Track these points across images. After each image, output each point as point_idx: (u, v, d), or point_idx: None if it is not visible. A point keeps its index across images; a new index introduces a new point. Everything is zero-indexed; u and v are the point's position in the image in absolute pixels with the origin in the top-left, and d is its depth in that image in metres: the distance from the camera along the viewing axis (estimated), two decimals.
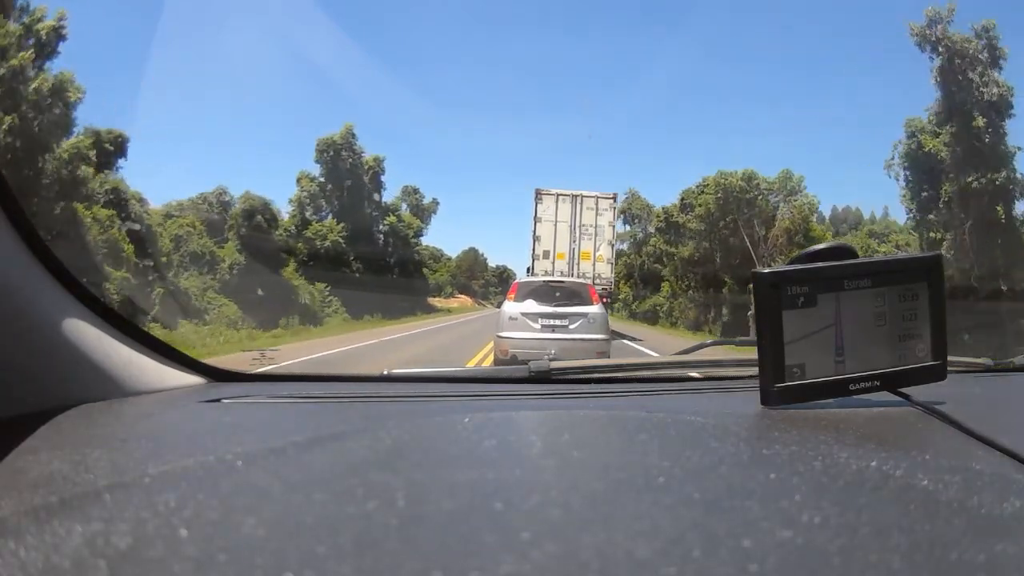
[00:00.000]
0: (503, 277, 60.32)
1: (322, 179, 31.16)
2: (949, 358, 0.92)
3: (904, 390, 0.92)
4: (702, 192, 29.24)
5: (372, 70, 57.04)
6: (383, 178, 34.04)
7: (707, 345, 1.51)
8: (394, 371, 1.30)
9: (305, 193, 30.85)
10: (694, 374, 1.32)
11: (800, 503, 0.41)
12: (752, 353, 0.97)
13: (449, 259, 64.43)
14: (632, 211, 39.47)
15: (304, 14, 41.71)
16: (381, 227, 34.14)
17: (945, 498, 0.44)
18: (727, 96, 54.51)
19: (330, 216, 30.55)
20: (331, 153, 30.99)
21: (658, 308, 32.92)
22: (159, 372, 1.03)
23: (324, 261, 27.78)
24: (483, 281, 67.46)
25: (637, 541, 0.35)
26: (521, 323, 7.53)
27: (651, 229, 38.47)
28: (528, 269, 14.50)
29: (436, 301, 51.52)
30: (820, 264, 0.87)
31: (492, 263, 67.99)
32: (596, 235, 14.54)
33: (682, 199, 32.18)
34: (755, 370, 0.89)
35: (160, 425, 0.86)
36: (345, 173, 30.95)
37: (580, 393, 1.11)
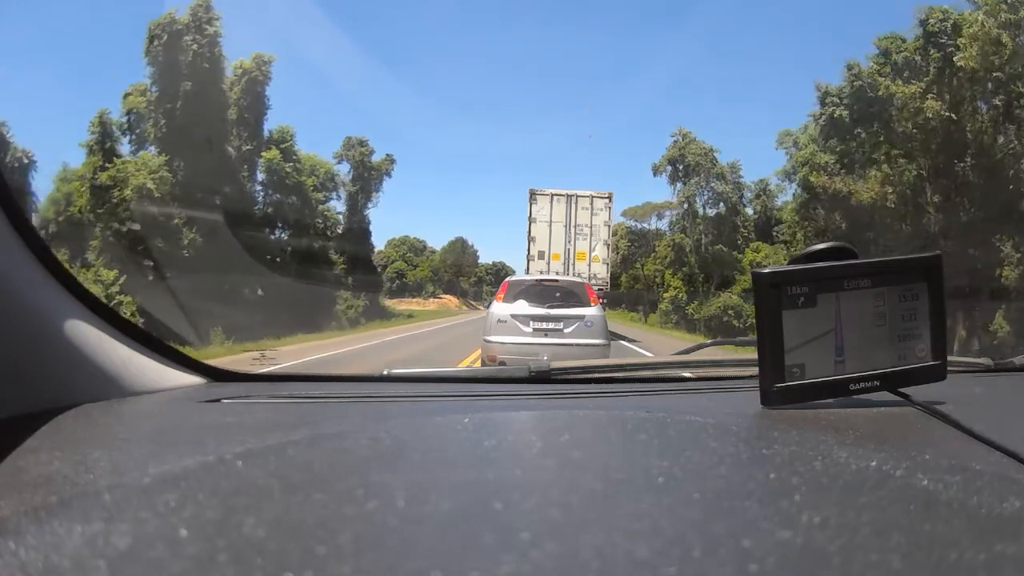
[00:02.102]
0: (500, 274, 52.78)
1: (153, 88, 16.85)
2: (949, 358, 0.92)
3: (904, 390, 0.92)
4: (931, 27, 13.68)
5: (370, 68, 56.71)
6: (268, 92, 19.90)
7: (707, 345, 1.52)
8: (394, 371, 1.30)
9: (131, 113, 16.77)
10: (694, 374, 1.32)
11: (800, 503, 0.41)
12: (752, 353, 0.97)
13: (432, 252, 57.00)
14: (687, 160, 27.42)
15: (303, 13, 41.42)
16: (256, 172, 19.97)
17: (945, 498, 0.44)
18: (728, 94, 54.38)
19: (157, 149, 16.49)
20: (165, 39, 16.57)
21: (733, 312, 21.51)
22: (159, 372, 1.03)
23: (120, 225, 14.73)
24: (474, 278, 59.64)
25: (637, 541, 0.35)
26: (511, 326, 6.88)
27: (717, 186, 27.00)
28: (525, 271, 14.44)
29: (405, 303, 44.14)
30: (820, 264, 0.88)
31: (488, 259, 61.45)
32: (592, 235, 14.46)
33: (883, 52, 15.15)
34: (755, 370, 0.89)
35: (160, 425, 0.86)
36: (183, 72, 16.54)
37: (580, 393, 1.11)
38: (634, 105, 56.95)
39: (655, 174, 29.42)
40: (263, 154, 19.85)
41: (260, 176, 20.39)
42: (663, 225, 33.82)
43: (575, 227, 14.45)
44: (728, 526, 0.38)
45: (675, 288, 27.11)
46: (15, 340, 0.82)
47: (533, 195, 14.60)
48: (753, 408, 0.89)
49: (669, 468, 0.48)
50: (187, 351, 1.16)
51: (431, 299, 53.27)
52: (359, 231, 28.34)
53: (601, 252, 14.63)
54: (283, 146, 20.75)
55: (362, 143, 28.06)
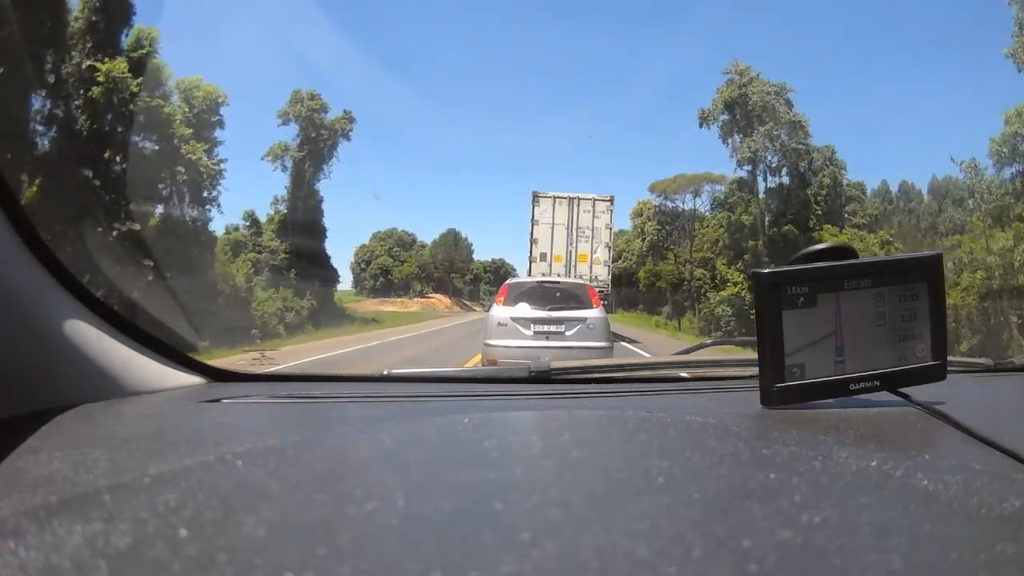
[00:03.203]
0: (499, 272, 48.91)
1: None
2: (949, 358, 0.92)
3: (904, 390, 0.92)
4: None
5: (371, 68, 56.53)
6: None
7: (707, 345, 1.52)
8: (394, 371, 1.30)
9: None
10: (694, 374, 1.32)
11: (800, 503, 0.41)
12: (752, 353, 0.97)
13: (423, 246, 50.96)
14: (749, 102, 19.72)
15: (303, 13, 41.31)
16: (88, 93, 12.90)
17: (945, 498, 0.44)
18: None
19: None
20: None
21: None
22: (159, 372, 1.03)
23: None
24: (470, 276, 53.02)
25: (637, 541, 0.35)
26: (511, 329, 6.76)
27: (789, 141, 19.17)
28: (527, 273, 14.48)
29: (388, 304, 39.74)
30: (820, 264, 0.88)
31: (487, 257, 55.35)
32: (593, 237, 14.61)
33: None
34: (755, 370, 0.90)
35: (160, 425, 0.86)
36: None
37: (580, 393, 1.11)
38: (634, 105, 56.87)
39: (703, 124, 21.25)
40: (100, 65, 12.65)
41: (93, 97, 12.95)
42: (702, 204, 25.67)
43: (577, 230, 14.60)
44: (728, 526, 0.38)
45: (735, 284, 19.77)
46: (15, 340, 0.82)
47: (536, 198, 14.74)
48: (753, 408, 0.89)
49: (669, 468, 0.48)
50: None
51: (417, 299, 46.86)
52: (306, 209, 22.18)
53: (603, 254, 14.75)
54: (136, 55, 13.13)
55: (312, 96, 21.89)
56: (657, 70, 54.22)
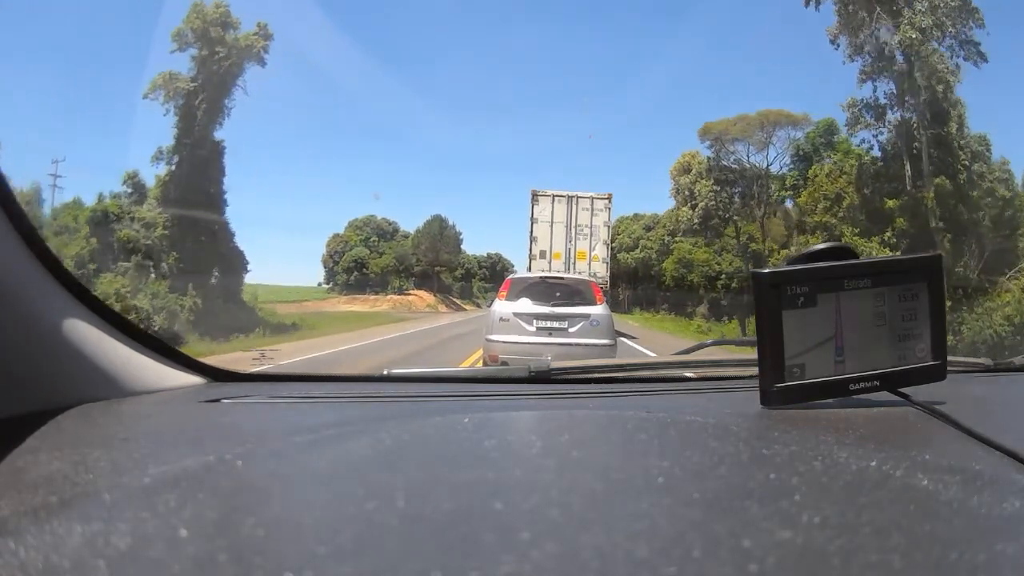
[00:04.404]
0: (496, 267, 44.67)
1: None
2: (949, 358, 0.92)
3: (904, 390, 0.92)
4: None
5: (370, 67, 56.24)
6: None
7: (707, 345, 1.52)
8: (394, 371, 1.30)
9: None
10: (694, 374, 1.32)
11: (800, 503, 0.41)
12: (752, 353, 0.97)
13: (405, 236, 43.54)
14: None
15: (302, 12, 41.08)
16: None
17: (945, 498, 0.44)
18: (732, 93, 53.85)
19: None
20: None
21: None
22: (159, 372, 1.03)
23: None
24: (460, 271, 45.58)
25: (637, 541, 0.35)
26: (513, 325, 6.68)
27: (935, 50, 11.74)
28: (527, 270, 14.56)
29: (360, 302, 34.68)
30: (820, 264, 0.88)
31: (483, 252, 48.61)
32: (592, 235, 14.79)
33: None
34: (755, 370, 0.89)
35: (160, 425, 0.86)
36: None
37: (580, 393, 1.11)
38: (635, 104, 56.70)
39: (809, 2, 13.84)
40: None
41: None
42: (775, 159, 17.29)
43: (576, 227, 14.78)
44: (728, 526, 0.38)
45: None
46: (15, 340, 0.82)
47: (535, 196, 14.91)
48: (753, 408, 0.89)
49: (669, 468, 0.48)
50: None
51: (392, 296, 39.94)
52: (196, 164, 15.60)
53: (601, 252, 14.88)
54: None
55: (218, 6, 14.84)
56: (657, 68, 54.00)
